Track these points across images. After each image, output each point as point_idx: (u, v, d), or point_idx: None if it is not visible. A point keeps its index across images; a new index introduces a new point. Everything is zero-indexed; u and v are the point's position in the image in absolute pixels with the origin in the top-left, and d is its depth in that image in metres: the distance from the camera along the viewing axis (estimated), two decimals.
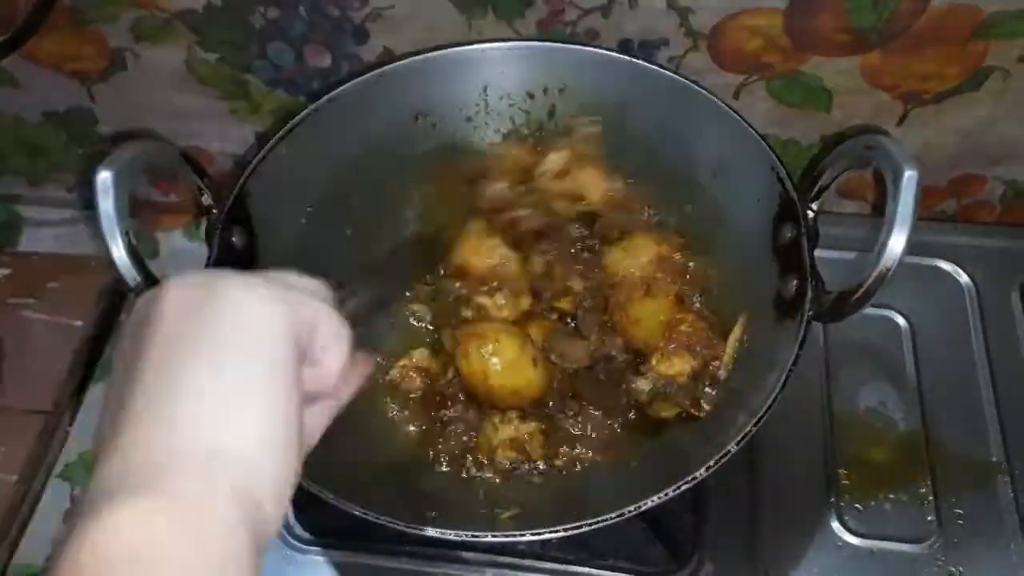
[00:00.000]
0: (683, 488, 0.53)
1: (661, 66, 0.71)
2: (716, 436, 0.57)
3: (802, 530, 0.69)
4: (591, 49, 0.72)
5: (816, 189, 0.61)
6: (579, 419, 0.66)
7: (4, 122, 0.93)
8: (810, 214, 0.61)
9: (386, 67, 0.71)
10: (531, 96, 0.74)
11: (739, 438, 0.54)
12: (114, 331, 0.91)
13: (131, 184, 0.55)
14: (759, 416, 0.54)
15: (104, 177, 0.54)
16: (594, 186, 0.74)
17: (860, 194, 0.91)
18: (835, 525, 0.70)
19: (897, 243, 0.53)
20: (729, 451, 0.53)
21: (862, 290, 0.54)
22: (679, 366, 0.66)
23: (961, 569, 0.68)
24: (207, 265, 0.63)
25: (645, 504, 0.53)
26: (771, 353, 0.59)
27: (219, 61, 0.83)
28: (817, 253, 0.61)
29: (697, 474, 0.53)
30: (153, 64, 0.84)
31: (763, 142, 0.66)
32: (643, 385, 0.67)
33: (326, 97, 0.70)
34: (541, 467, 0.66)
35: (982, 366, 0.77)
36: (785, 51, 0.77)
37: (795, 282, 0.60)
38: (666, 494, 0.53)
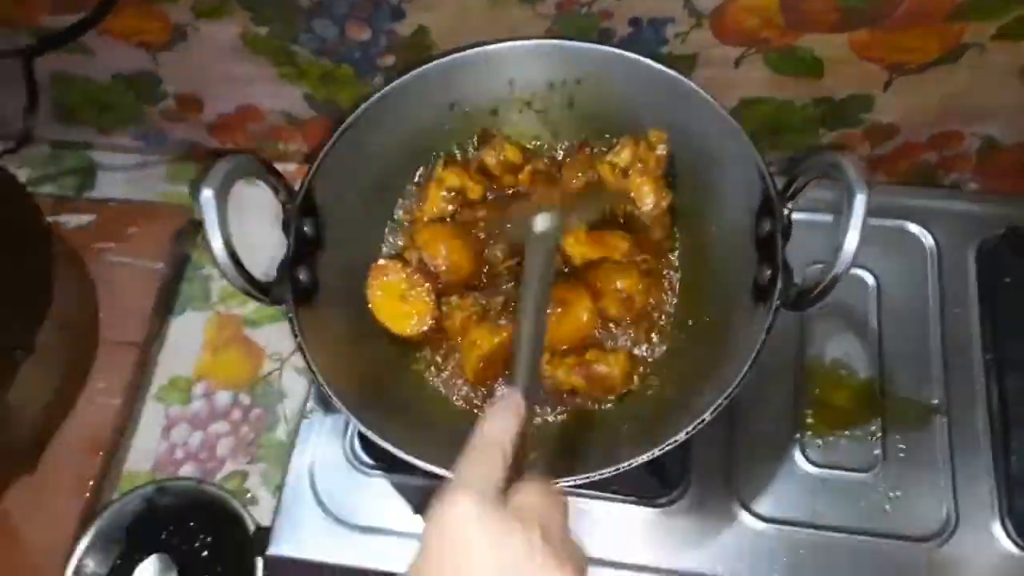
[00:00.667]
0: (666, 448, 0.66)
1: (669, 65, 0.81)
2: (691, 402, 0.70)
3: (771, 462, 0.82)
4: (603, 48, 0.81)
5: (792, 190, 0.72)
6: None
7: (75, 81, 1.03)
8: (786, 211, 0.72)
9: (424, 67, 0.82)
10: (552, 86, 0.84)
11: (714, 408, 0.67)
12: (187, 270, 1.05)
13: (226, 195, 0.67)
14: (733, 387, 0.67)
15: (207, 194, 0.65)
16: (648, 197, 0.83)
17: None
18: (798, 457, 0.83)
19: (848, 252, 0.64)
20: (704, 419, 0.67)
21: (819, 288, 0.66)
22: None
23: (899, 493, 0.80)
24: (287, 254, 0.76)
25: (641, 457, 0.66)
26: (746, 332, 0.72)
27: (269, 35, 0.92)
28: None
29: (678, 437, 0.66)
30: (211, 36, 0.93)
31: (750, 143, 0.76)
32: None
33: (375, 96, 0.81)
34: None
35: (935, 321, 0.87)
36: (780, 28, 0.84)
37: (768, 272, 0.71)
38: (655, 452, 0.66)
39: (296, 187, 0.78)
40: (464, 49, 0.83)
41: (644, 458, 0.66)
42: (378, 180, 0.85)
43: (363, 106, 0.80)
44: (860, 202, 0.63)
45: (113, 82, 1.03)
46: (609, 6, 0.84)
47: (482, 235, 0.84)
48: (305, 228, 0.77)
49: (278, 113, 1.05)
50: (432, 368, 0.83)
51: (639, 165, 0.81)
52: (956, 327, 0.87)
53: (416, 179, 0.89)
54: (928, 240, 0.93)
